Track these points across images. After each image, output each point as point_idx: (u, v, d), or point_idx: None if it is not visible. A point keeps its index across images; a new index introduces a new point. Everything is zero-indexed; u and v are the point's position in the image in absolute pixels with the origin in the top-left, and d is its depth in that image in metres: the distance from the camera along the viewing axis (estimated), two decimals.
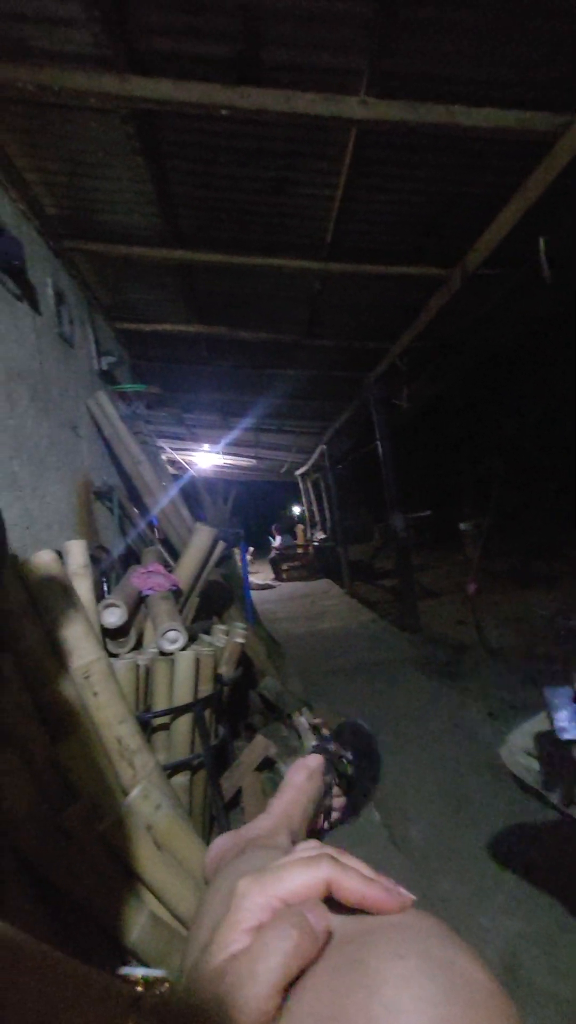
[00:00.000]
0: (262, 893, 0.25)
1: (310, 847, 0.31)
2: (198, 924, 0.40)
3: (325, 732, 0.69)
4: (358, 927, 0.24)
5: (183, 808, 1.59)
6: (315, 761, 0.66)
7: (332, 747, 0.66)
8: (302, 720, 2.51)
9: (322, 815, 0.68)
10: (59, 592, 1.56)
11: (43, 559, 1.57)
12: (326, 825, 0.64)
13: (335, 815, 0.67)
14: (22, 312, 2.43)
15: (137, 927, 1.24)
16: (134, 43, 1.97)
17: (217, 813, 1.78)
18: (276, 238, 3.22)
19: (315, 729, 0.71)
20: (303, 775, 0.68)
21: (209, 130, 2.39)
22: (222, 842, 0.71)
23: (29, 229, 2.68)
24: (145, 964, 1.21)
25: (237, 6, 1.83)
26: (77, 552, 1.82)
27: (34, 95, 2.08)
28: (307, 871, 0.26)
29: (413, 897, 0.26)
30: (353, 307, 4.16)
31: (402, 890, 0.26)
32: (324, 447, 8.95)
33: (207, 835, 1.80)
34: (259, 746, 2.02)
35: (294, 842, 0.66)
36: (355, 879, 0.26)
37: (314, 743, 0.69)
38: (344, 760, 0.67)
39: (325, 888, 0.25)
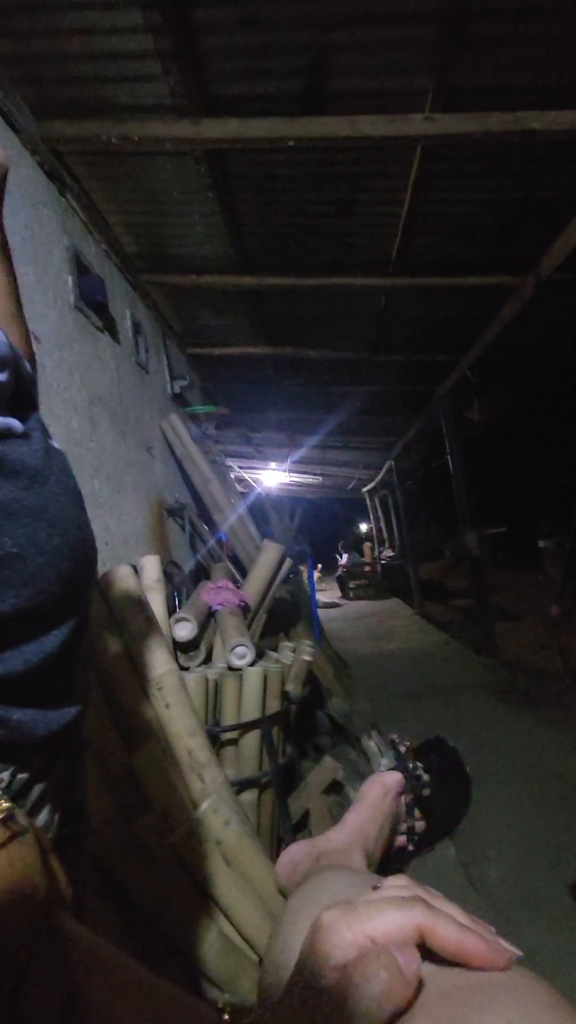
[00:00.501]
0: (350, 929, 0.24)
1: (400, 885, 0.29)
2: (277, 947, 0.39)
3: (403, 748, 0.66)
4: (457, 981, 0.22)
5: (251, 826, 1.59)
6: (392, 779, 0.63)
7: (412, 766, 0.63)
8: (371, 744, 2.43)
9: (399, 838, 0.65)
10: (135, 605, 1.63)
11: (120, 573, 1.66)
12: (409, 847, 0.61)
13: (411, 841, 0.64)
14: (104, 343, 2.61)
15: (207, 945, 1.24)
16: (207, 90, 2.10)
17: (285, 834, 1.76)
18: (341, 258, 3.27)
19: (392, 745, 0.67)
20: (379, 791, 0.65)
21: (275, 161, 2.49)
22: (296, 850, 0.70)
23: (110, 267, 2.90)
24: (215, 984, 1.20)
25: (305, 45, 1.91)
26: (151, 567, 1.90)
27: (117, 146, 2.26)
28: (399, 912, 0.24)
29: (519, 953, 0.23)
30: (420, 321, 4.11)
31: (504, 943, 0.24)
32: (392, 463, 8.82)
33: (273, 856, 1.78)
34: (327, 768, 1.98)
35: (370, 863, 0.63)
36: (452, 927, 0.23)
37: (393, 762, 0.66)
38: (424, 780, 0.63)
39: (418, 934, 0.24)
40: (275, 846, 1.81)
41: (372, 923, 0.24)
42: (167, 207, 2.83)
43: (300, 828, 1.96)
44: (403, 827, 0.64)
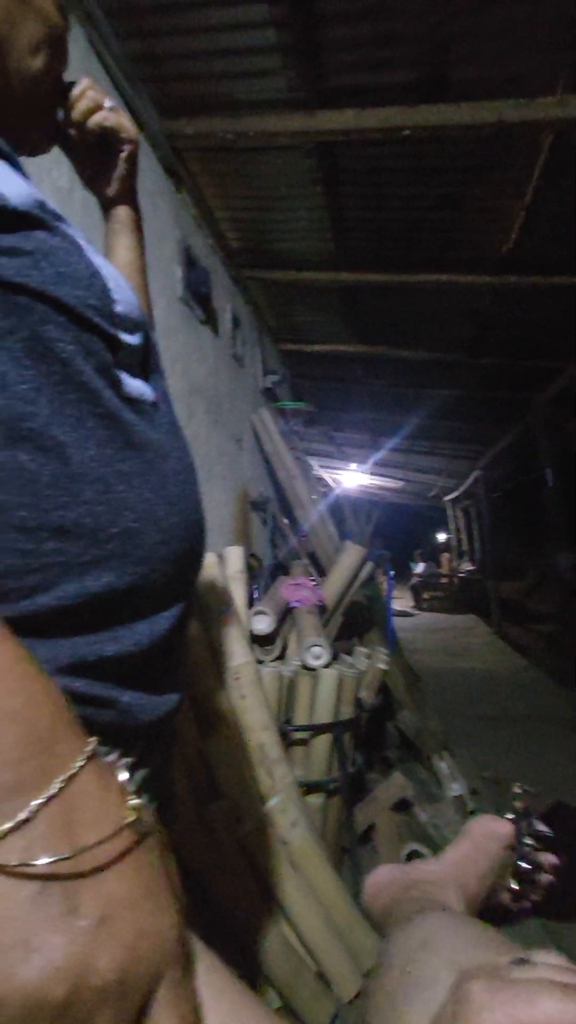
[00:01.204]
0: (505, 1012, 0.21)
1: (557, 965, 0.25)
2: (391, 990, 0.35)
3: (522, 802, 0.59)
4: None
5: (317, 831, 1.55)
6: (503, 827, 0.57)
7: (526, 824, 0.56)
8: (442, 765, 2.31)
9: (501, 894, 0.58)
10: (218, 594, 1.64)
11: (206, 561, 1.68)
12: (527, 904, 0.54)
13: (520, 901, 0.56)
14: (205, 335, 2.68)
15: (269, 945, 1.22)
16: (323, 82, 2.07)
17: (351, 846, 1.70)
18: (444, 254, 3.13)
19: (515, 797, 0.61)
20: (486, 833, 0.58)
21: (384, 153, 2.41)
22: (386, 874, 0.64)
23: (215, 261, 2.97)
24: (273, 986, 1.18)
25: (429, 32, 1.82)
26: (235, 558, 1.91)
27: (231, 142, 2.30)
28: (562, 1004, 0.21)
29: None
30: (525, 322, 3.85)
31: None
32: (480, 472, 8.39)
33: (337, 866, 1.72)
34: (396, 784, 1.90)
35: (468, 906, 0.57)
36: None
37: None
38: (537, 842, 0.56)
39: None
40: (339, 856, 1.75)
41: (530, 1010, 0.21)
42: (273, 202, 2.85)
43: (364, 841, 1.89)
44: (508, 884, 0.57)
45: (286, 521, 3.41)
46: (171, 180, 2.37)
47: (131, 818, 0.28)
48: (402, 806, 1.96)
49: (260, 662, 1.96)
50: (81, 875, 0.25)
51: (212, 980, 0.36)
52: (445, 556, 12.67)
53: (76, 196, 1.53)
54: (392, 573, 3.79)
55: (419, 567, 11.94)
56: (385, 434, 7.25)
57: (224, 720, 1.49)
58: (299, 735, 1.76)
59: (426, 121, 2.08)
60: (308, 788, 1.67)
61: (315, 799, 1.70)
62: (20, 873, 0.24)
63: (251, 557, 2.73)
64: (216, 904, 1.22)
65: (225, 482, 2.81)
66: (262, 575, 2.72)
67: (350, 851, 1.73)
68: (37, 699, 0.29)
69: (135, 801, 0.28)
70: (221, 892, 1.22)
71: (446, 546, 13.69)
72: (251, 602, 2.24)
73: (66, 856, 0.25)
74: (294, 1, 1.74)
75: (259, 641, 2.03)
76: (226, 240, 3.09)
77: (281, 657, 2.08)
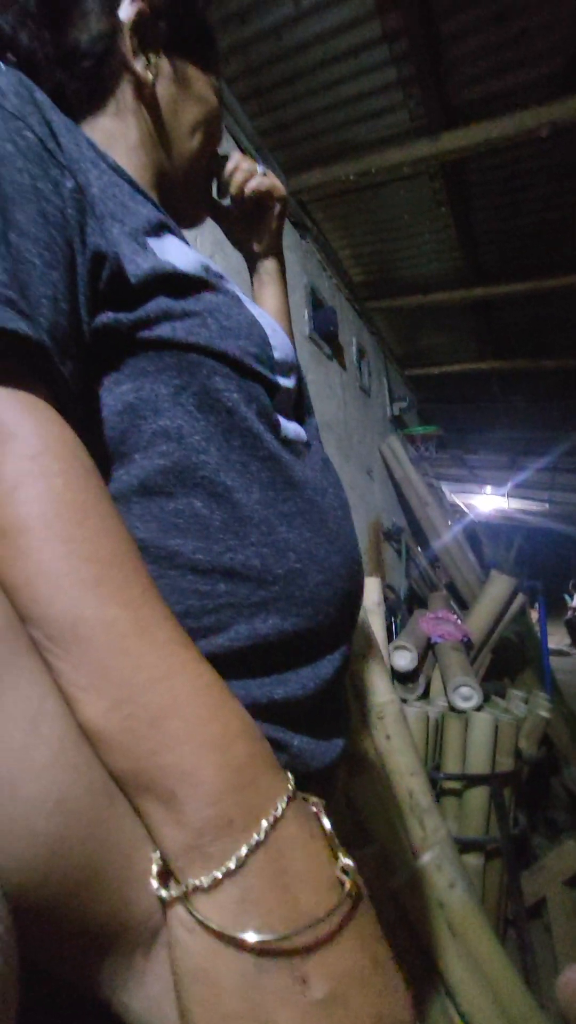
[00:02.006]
0: None
1: None
2: None
3: None
4: None
5: (479, 896, 1.39)
6: None
7: None
8: None
9: None
10: (357, 629, 1.61)
11: None
12: None
13: None
14: (333, 370, 2.74)
15: (431, 1019, 1.10)
16: (447, 102, 2.04)
17: (516, 919, 1.50)
18: None
19: None
20: None
21: (518, 157, 2.29)
22: None
23: (340, 298, 3.05)
24: None
25: (570, 14, 1.71)
26: (372, 590, 1.86)
27: (353, 183, 2.37)
28: None
29: None
30: None
31: None
32: None
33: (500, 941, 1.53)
34: (571, 854, 1.64)
35: None
36: None
37: None
38: None
39: None
40: (502, 929, 1.55)
41: None
42: (396, 232, 2.86)
43: (532, 916, 1.65)
44: None
45: (420, 550, 3.28)
46: (297, 231, 2.51)
47: (349, 880, 0.25)
48: None
49: (403, 700, 1.87)
50: (307, 945, 0.23)
51: None
52: None
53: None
54: (544, 606, 3.41)
55: (575, 600, 10.58)
56: (526, 453, 6.68)
57: (369, 761, 1.43)
58: (450, 784, 1.62)
59: (566, 113, 1.93)
60: (463, 846, 1.52)
61: (473, 859, 1.54)
62: (241, 942, 0.22)
63: (386, 588, 2.65)
64: None
65: (357, 514, 2.80)
66: (399, 607, 2.62)
67: (516, 925, 1.52)
68: (236, 727, 0.28)
69: (347, 861, 0.26)
70: None
71: None
72: (390, 636, 2.16)
73: (290, 919, 0.23)
74: (413, 32, 1.76)
75: (399, 678, 1.94)
76: (349, 277, 3.17)
77: (425, 696, 1.96)
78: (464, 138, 2.06)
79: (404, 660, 1.88)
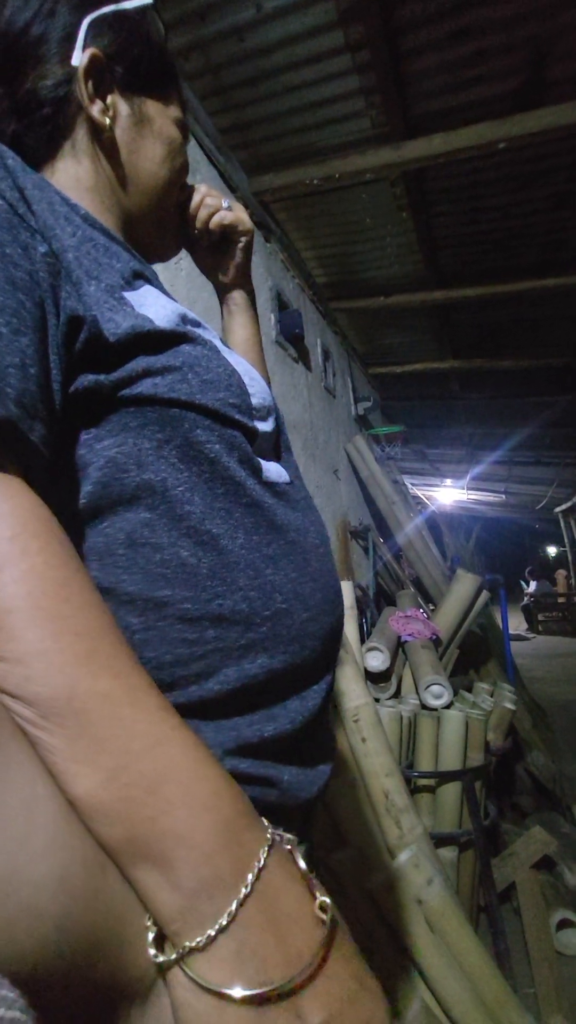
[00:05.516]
0: None
1: None
2: None
3: None
4: None
5: (455, 890, 1.45)
6: None
7: None
8: None
9: None
10: None
11: None
12: None
13: None
14: (298, 372, 2.75)
15: (411, 1013, 1.14)
16: (408, 112, 2.07)
17: (489, 906, 1.57)
18: (552, 257, 2.95)
19: None
20: None
21: (479, 167, 2.35)
22: None
23: (304, 300, 3.05)
24: None
25: (525, 40, 1.76)
26: (347, 593, 1.89)
27: (317, 186, 2.37)
28: None
29: None
30: None
31: None
32: None
33: (474, 928, 1.59)
34: (537, 840, 1.72)
35: None
36: None
37: None
38: None
39: None
40: (475, 916, 1.62)
41: None
42: (358, 235, 2.88)
43: (503, 901, 1.74)
44: None
45: (387, 547, 3.34)
46: (261, 232, 2.49)
47: (327, 916, 0.27)
48: (545, 864, 1.77)
49: (376, 700, 1.91)
50: (302, 983, 0.25)
51: None
52: (562, 573, 11.62)
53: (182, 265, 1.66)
54: (505, 600, 3.55)
55: (531, 586, 11.04)
56: (484, 447, 6.90)
57: (345, 764, 1.46)
58: (424, 782, 1.67)
59: (523, 129, 1.99)
60: (438, 840, 1.57)
61: (447, 853, 1.59)
62: (242, 999, 0.24)
63: (356, 589, 2.69)
64: None
65: (324, 515, 2.82)
66: (368, 606, 2.67)
67: (488, 911, 1.60)
68: (222, 785, 0.29)
69: (323, 899, 0.28)
70: None
71: (561, 561, 12.57)
72: (362, 636, 2.20)
73: (283, 963, 0.25)
74: (375, 45, 1.78)
75: (372, 678, 1.98)
76: (313, 278, 3.17)
77: (397, 695, 2.01)
78: (424, 148, 2.09)
79: (377, 661, 1.93)
